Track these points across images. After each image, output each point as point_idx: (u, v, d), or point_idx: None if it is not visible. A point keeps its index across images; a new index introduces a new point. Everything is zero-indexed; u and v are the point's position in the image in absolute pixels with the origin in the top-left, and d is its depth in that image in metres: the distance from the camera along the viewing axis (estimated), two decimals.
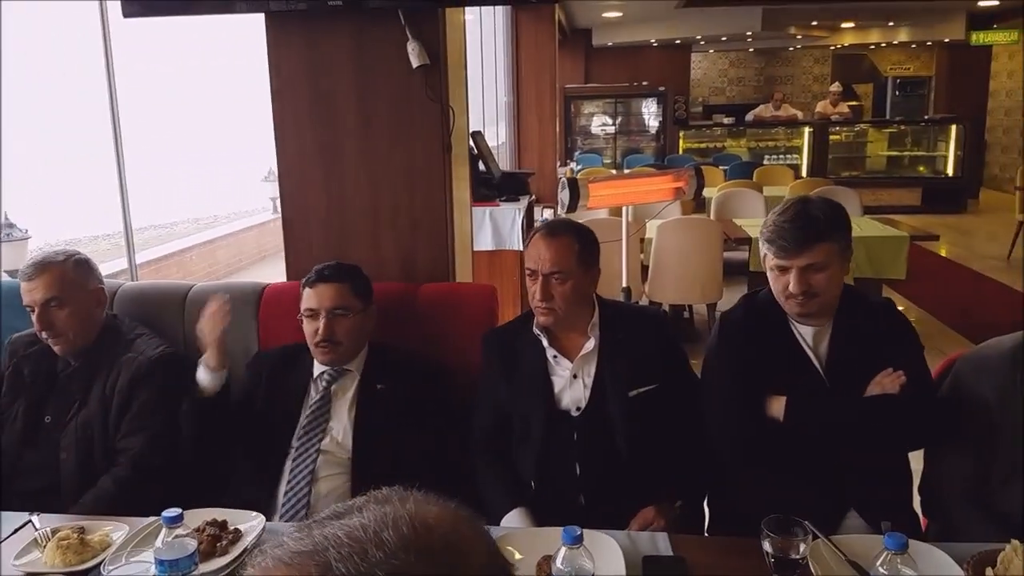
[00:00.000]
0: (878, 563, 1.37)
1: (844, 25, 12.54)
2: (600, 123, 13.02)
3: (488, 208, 4.66)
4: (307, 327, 2.13)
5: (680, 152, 11.90)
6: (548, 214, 6.04)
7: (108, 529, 1.74)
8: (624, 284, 3.85)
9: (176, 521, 1.48)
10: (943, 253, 8.70)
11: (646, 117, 12.95)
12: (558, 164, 7.88)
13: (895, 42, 13.38)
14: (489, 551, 0.63)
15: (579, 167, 10.12)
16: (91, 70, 3.46)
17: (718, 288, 5.27)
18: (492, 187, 4.80)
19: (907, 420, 1.87)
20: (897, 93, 13.86)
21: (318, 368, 2.17)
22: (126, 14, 2.39)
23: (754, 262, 5.31)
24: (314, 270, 2.18)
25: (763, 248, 1.92)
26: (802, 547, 1.48)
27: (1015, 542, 1.52)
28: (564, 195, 3.49)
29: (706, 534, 2.07)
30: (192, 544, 1.48)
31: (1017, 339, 1.89)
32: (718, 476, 2.05)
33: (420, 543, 0.56)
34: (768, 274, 1.95)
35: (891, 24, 12.31)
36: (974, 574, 1.50)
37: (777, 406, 1.90)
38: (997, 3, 10.89)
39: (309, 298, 2.13)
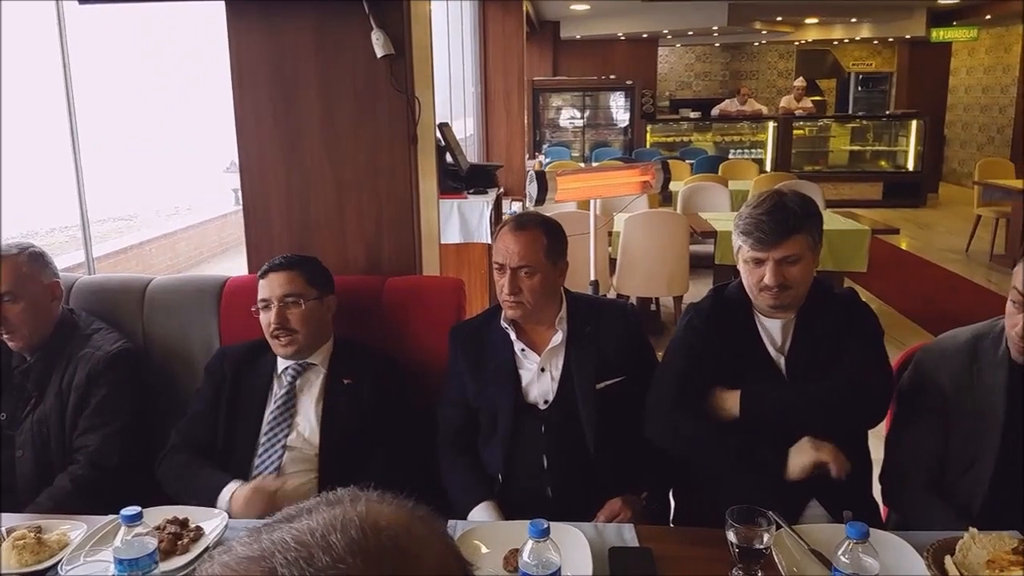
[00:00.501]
0: (840, 552, 1.39)
1: (808, 21, 12.69)
2: (568, 116, 13.04)
3: (456, 201, 4.64)
4: (262, 319, 2.11)
5: (647, 146, 11.96)
6: (516, 207, 6.04)
7: (66, 528, 1.70)
8: (592, 277, 3.86)
9: (135, 520, 1.45)
10: (903, 246, 8.85)
11: (614, 110, 13.00)
12: (527, 157, 7.88)
13: (857, 38, 13.58)
14: (444, 551, 0.61)
15: (547, 160, 10.14)
16: (46, 58, 3.38)
17: (684, 281, 5.31)
18: (460, 180, 4.78)
19: (860, 403, 1.90)
20: (859, 88, 14.04)
21: (282, 363, 2.15)
22: (82, 0, 2.33)
23: (720, 255, 5.36)
24: (267, 262, 2.17)
25: (738, 241, 1.93)
26: (766, 537, 1.49)
27: (973, 530, 1.55)
28: (532, 188, 3.50)
29: (672, 525, 2.08)
30: (152, 543, 1.46)
31: (975, 330, 1.93)
32: (683, 467, 2.06)
33: (368, 546, 0.55)
34: (741, 267, 1.95)
35: (854, 20, 12.49)
36: (934, 562, 1.52)
37: (732, 401, 1.91)
38: (957, 1, 11.08)
39: (262, 289, 2.12)
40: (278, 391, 2.13)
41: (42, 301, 2.17)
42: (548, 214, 2.41)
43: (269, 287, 2.11)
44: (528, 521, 1.39)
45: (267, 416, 2.10)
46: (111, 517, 1.66)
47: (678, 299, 5.48)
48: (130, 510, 1.45)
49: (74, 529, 1.69)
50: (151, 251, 8.26)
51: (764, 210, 1.87)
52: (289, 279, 2.10)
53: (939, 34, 12.20)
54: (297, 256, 2.20)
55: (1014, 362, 1.80)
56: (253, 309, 2.13)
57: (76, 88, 3.34)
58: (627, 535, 1.69)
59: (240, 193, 2.60)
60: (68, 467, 2.07)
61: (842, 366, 1.91)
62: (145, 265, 7.90)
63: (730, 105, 12.26)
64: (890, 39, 13.73)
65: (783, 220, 1.85)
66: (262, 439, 2.07)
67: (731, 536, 1.51)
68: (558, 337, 2.06)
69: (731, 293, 2.04)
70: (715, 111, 12.31)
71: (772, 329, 1.97)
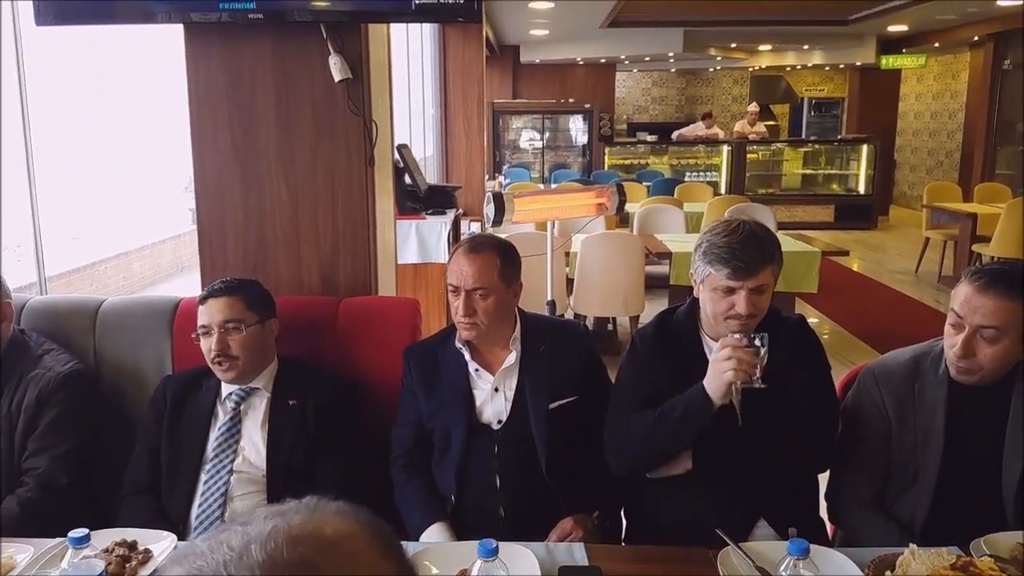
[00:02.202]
0: (781, 568, 1.43)
1: (762, 47, 12.99)
2: (528, 138, 13.17)
3: (414, 221, 4.66)
4: (203, 345, 2.09)
5: (606, 168, 12.10)
6: (475, 227, 6.07)
7: (12, 551, 1.67)
8: (549, 297, 3.90)
9: (82, 542, 1.44)
10: (855, 268, 9.05)
11: (573, 133, 13.16)
12: (486, 178, 7.93)
13: (810, 64, 13.91)
14: (378, 568, 0.62)
15: (507, 181, 10.22)
16: (2, 79, 3.35)
17: (640, 301, 5.37)
18: (418, 200, 4.80)
19: (814, 451, 1.97)
20: (812, 113, 14.38)
21: (226, 389, 2.13)
22: (39, 22, 2.31)
23: (675, 276, 5.44)
24: (206, 288, 2.16)
25: (707, 269, 1.89)
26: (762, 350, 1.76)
27: (913, 546, 1.59)
28: (489, 209, 3.52)
29: (623, 543, 2.10)
30: (99, 565, 1.44)
31: (916, 350, 1.97)
32: (634, 486, 2.09)
33: (276, 560, 0.56)
34: (707, 295, 1.92)
35: (806, 47, 12.80)
36: None
37: (683, 455, 1.93)
38: (906, 29, 11.44)
39: (201, 315, 2.11)
40: (223, 416, 2.11)
41: None
42: (506, 235, 2.44)
43: (208, 313, 2.09)
44: (478, 541, 1.41)
45: (212, 442, 2.08)
46: (58, 540, 1.64)
47: (634, 319, 5.54)
48: (77, 532, 1.44)
49: (20, 552, 1.66)
50: (105, 270, 8.13)
51: (738, 239, 1.85)
52: (229, 305, 2.09)
53: (889, 61, 12.56)
54: (236, 280, 2.18)
55: (953, 381, 1.85)
56: (193, 336, 2.11)
57: (32, 107, 3.31)
58: (577, 554, 1.70)
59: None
60: (16, 489, 2.04)
61: (793, 403, 1.92)
62: (99, 285, 7.77)
63: (695, 129, 12.41)
64: (841, 65, 14.09)
65: (758, 249, 1.85)
66: (207, 464, 2.05)
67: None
68: (512, 357, 2.08)
69: (679, 317, 2.05)
70: (675, 135, 12.47)
71: None
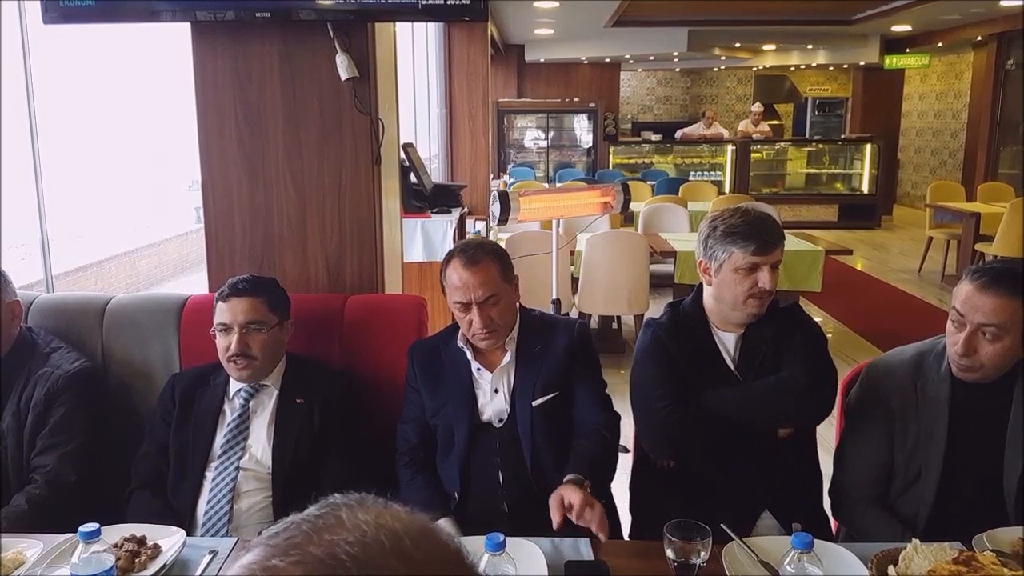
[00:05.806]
0: (786, 562, 1.44)
1: (766, 47, 12.96)
2: (533, 137, 13.17)
3: (420, 220, 4.68)
4: (220, 342, 2.08)
5: (610, 167, 12.11)
6: (480, 226, 6.09)
7: (22, 546, 1.68)
8: (554, 295, 3.91)
9: (93, 536, 1.45)
10: (858, 267, 9.04)
11: (578, 132, 13.16)
12: (491, 177, 7.94)
13: (814, 64, 13.89)
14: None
15: (512, 180, 10.23)
16: (9, 76, 3.36)
17: (645, 299, 5.38)
18: (424, 199, 4.82)
19: (804, 389, 1.96)
20: (816, 113, 14.33)
21: (234, 386, 2.13)
22: (46, 20, 2.33)
23: (679, 274, 5.45)
24: (228, 283, 2.13)
25: (728, 249, 1.92)
26: (702, 553, 1.54)
27: (916, 541, 1.60)
28: (495, 208, 3.53)
29: (628, 538, 2.11)
30: (109, 559, 1.46)
31: (919, 348, 1.99)
32: (638, 482, 2.10)
33: (429, 543, 0.57)
34: (729, 277, 1.93)
35: (810, 47, 12.78)
36: (877, 572, 1.57)
37: None
38: (909, 29, 11.43)
39: (222, 312, 2.09)
40: (230, 414, 2.11)
41: (3, 321, 2.15)
42: (511, 234, 2.44)
43: (231, 312, 2.07)
44: (484, 536, 1.42)
45: (220, 439, 2.08)
46: (68, 535, 1.65)
47: (639, 317, 5.55)
48: (88, 527, 1.46)
49: (30, 547, 1.67)
50: (110, 269, 8.16)
51: (754, 218, 1.91)
52: (252, 306, 2.08)
53: (892, 61, 12.55)
54: (259, 280, 2.16)
55: (956, 378, 1.87)
56: (211, 331, 2.10)
57: (39, 105, 3.32)
58: (583, 549, 1.71)
59: (202, 212, 2.60)
60: (25, 487, 2.06)
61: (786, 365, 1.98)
62: (104, 283, 7.80)
63: (695, 129, 12.41)
64: (845, 65, 14.08)
65: (774, 227, 1.93)
66: (215, 462, 2.06)
67: (669, 552, 1.55)
68: (507, 356, 2.09)
69: (688, 310, 2.08)
70: (679, 134, 12.47)
71: (728, 343, 2.02)
